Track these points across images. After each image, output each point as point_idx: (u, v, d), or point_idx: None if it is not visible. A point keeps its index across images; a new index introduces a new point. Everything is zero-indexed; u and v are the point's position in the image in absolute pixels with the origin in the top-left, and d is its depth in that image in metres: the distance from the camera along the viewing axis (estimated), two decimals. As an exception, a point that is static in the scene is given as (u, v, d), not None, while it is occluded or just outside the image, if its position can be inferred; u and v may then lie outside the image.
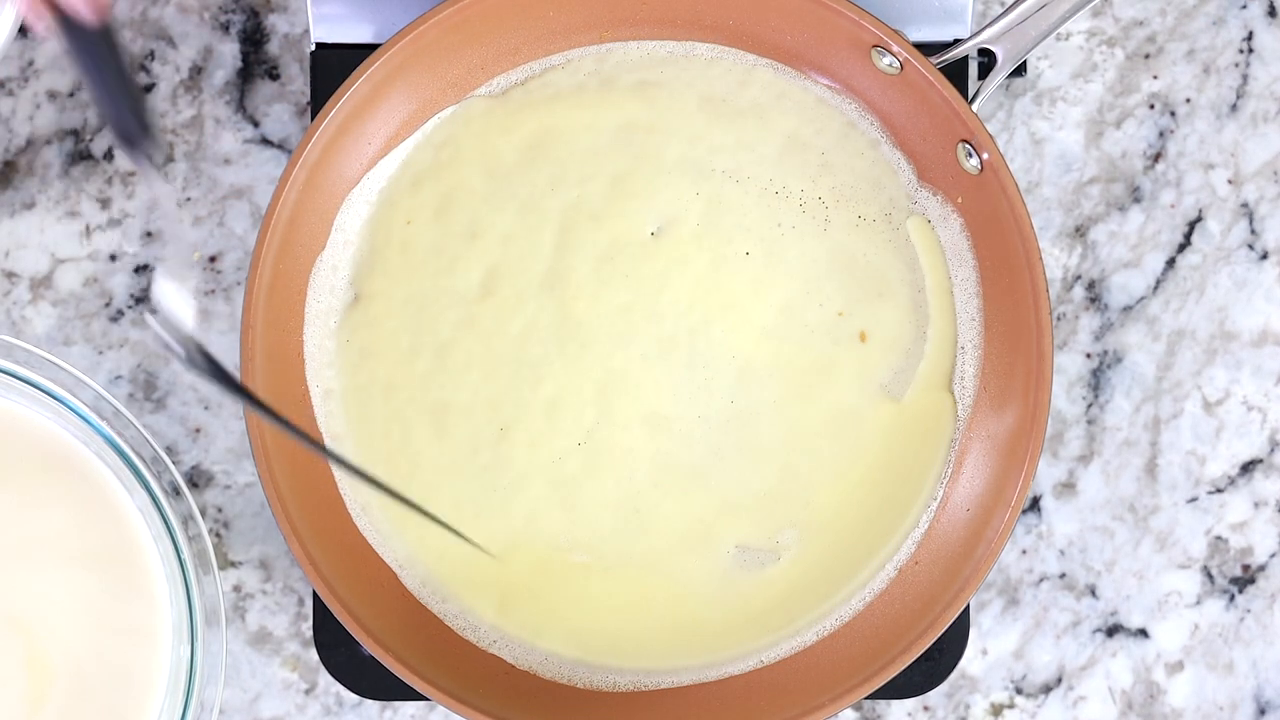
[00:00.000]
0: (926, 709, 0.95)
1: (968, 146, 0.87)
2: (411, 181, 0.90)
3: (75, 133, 0.93)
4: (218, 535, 0.94)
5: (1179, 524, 0.95)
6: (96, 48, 0.73)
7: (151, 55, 0.93)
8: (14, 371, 0.86)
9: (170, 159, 0.94)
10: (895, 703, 0.94)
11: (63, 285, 0.94)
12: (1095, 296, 0.94)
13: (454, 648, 0.90)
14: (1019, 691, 0.95)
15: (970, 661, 0.94)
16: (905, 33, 0.89)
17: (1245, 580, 0.95)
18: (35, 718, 0.86)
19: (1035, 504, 0.95)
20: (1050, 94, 0.94)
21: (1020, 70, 0.93)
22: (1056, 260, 0.94)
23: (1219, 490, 0.95)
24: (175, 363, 0.82)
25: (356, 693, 0.91)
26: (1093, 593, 0.95)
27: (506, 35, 0.89)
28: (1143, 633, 0.95)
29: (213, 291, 0.93)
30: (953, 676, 0.94)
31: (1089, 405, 0.94)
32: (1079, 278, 0.94)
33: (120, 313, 0.93)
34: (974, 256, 0.90)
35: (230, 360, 0.93)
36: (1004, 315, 0.89)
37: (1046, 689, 0.95)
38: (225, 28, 0.93)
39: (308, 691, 0.94)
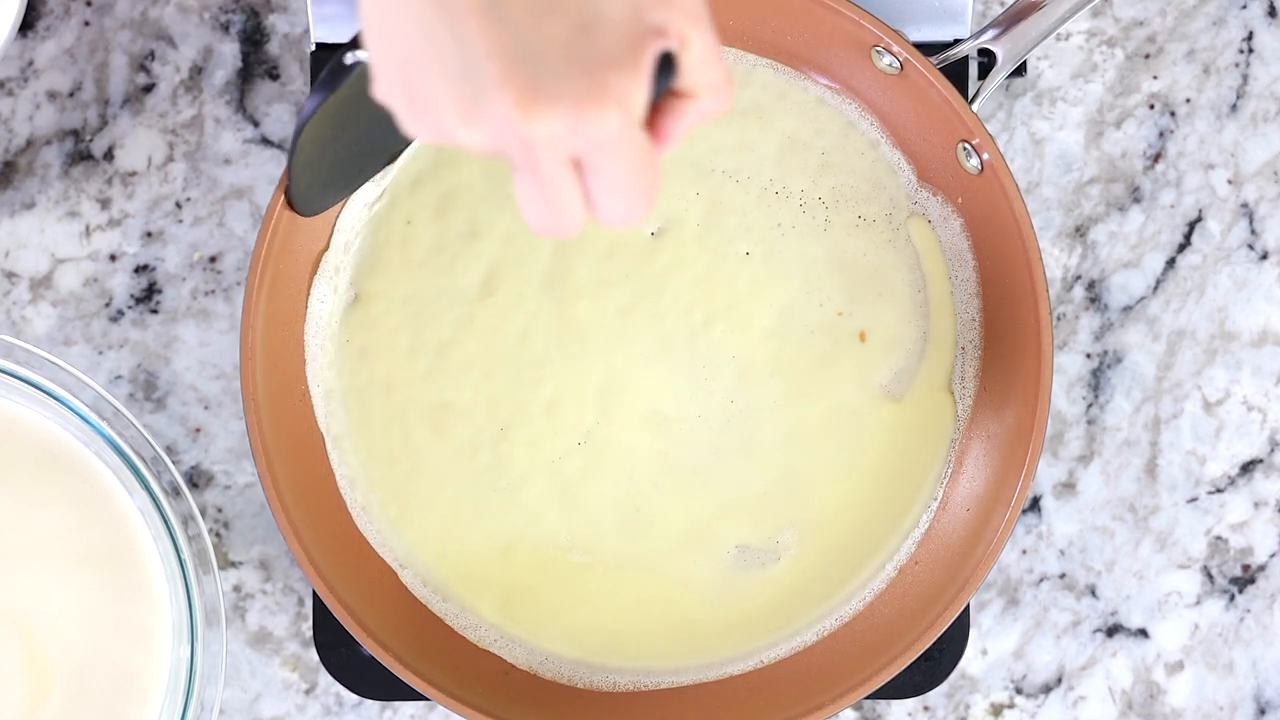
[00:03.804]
0: (926, 709, 0.95)
1: (968, 147, 0.87)
2: (412, 181, 0.90)
3: (75, 133, 0.93)
4: (218, 535, 0.94)
5: (1179, 524, 0.95)
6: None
7: (151, 55, 0.93)
8: (14, 371, 0.86)
9: (170, 159, 0.94)
10: (895, 703, 0.94)
11: (63, 285, 0.94)
12: (1095, 296, 0.94)
13: (454, 648, 0.90)
14: (1019, 691, 0.95)
15: (970, 661, 0.94)
16: (905, 33, 0.89)
17: (1245, 580, 0.95)
18: (35, 718, 0.86)
19: (1035, 504, 0.95)
20: (1050, 94, 0.94)
21: (1020, 70, 0.93)
22: (1056, 260, 0.94)
23: (1219, 490, 0.95)
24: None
25: (356, 693, 0.91)
26: (1093, 593, 0.95)
27: (506, 35, 0.89)
28: (1143, 633, 0.95)
29: (213, 291, 0.93)
30: (953, 676, 0.94)
31: (1089, 405, 0.94)
32: (1079, 278, 0.94)
33: (120, 313, 0.93)
34: (974, 257, 0.90)
35: (230, 360, 0.93)
36: (1004, 315, 0.89)
37: (1046, 689, 0.95)
38: (225, 28, 0.93)
39: (308, 691, 0.94)
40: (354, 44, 0.72)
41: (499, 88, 0.60)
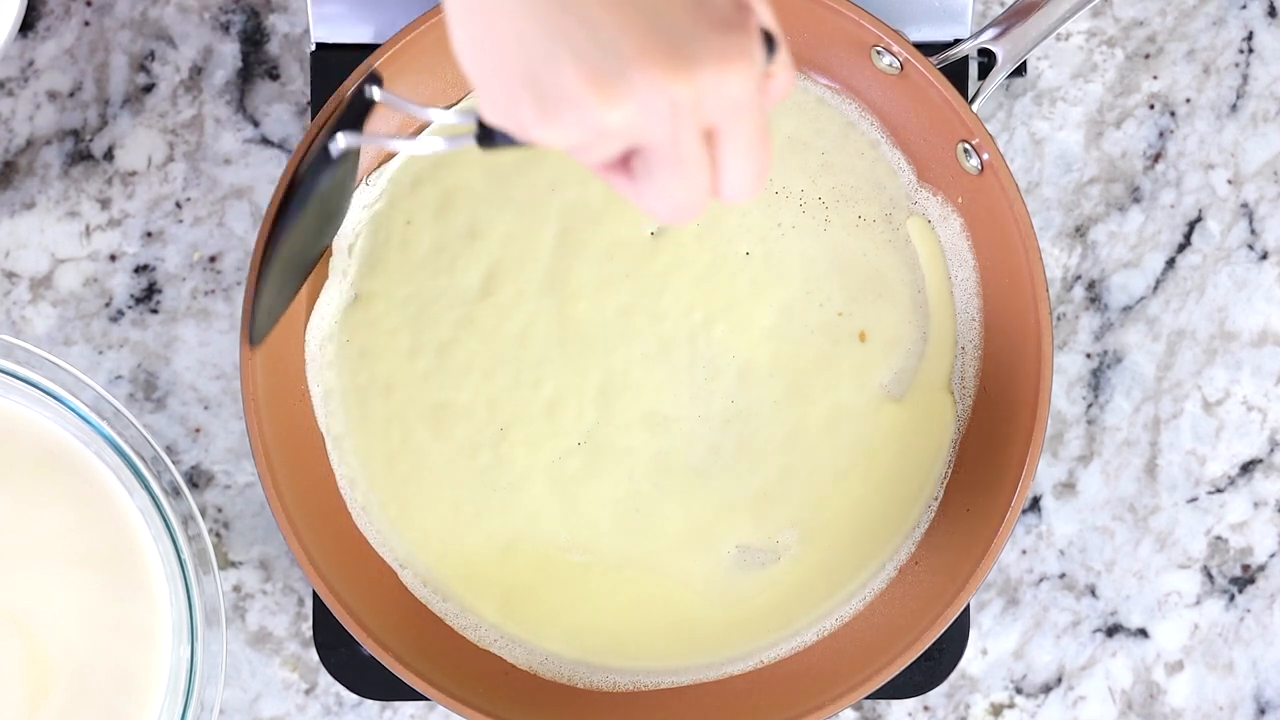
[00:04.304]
0: (926, 709, 0.95)
1: (968, 146, 0.87)
2: (412, 181, 0.90)
3: (75, 133, 0.93)
4: (218, 535, 0.94)
5: (1179, 524, 0.95)
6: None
7: (151, 55, 0.93)
8: (14, 371, 0.86)
9: (170, 159, 0.94)
10: (895, 703, 0.94)
11: (63, 285, 0.94)
12: (1095, 296, 0.94)
13: (454, 648, 0.90)
14: (1019, 691, 0.95)
15: (970, 661, 0.94)
16: (905, 33, 0.89)
17: (1245, 580, 0.95)
18: (35, 718, 0.86)
19: (1035, 504, 0.95)
20: (1050, 94, 0.94)
21: (1020, 70, 0.93)
22: (1056, 260, 0.94)
23: (1219, 490, 0.95)
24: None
25: (356, 693, 0.91)
26: (1093, 593, 0.95)
27: (506, 35, 0.89)
28: (1143, 633, 0.95)
29: (213, 291, 0.93)
30: (953, 676, 0.94)
31: (1089, 405, 0.94)
32: (1079, 278, 0.94)
33: (120, 313, 0.93)
34: (974, 256, 0.90)
35: (230, 360, 0.93)
36: (1004, 315, 0.89)
37: (1046, 689, 0.95)
38: (225, 28, 0.93)
39: (308, 691, 0.94)
40: (336, 128, 0.73)
41: (643, 57, 0.62)
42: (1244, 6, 0.94)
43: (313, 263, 0.86)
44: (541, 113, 0.64)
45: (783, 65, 0.67)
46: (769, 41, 0.65)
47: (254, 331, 0.82)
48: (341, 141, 0.76)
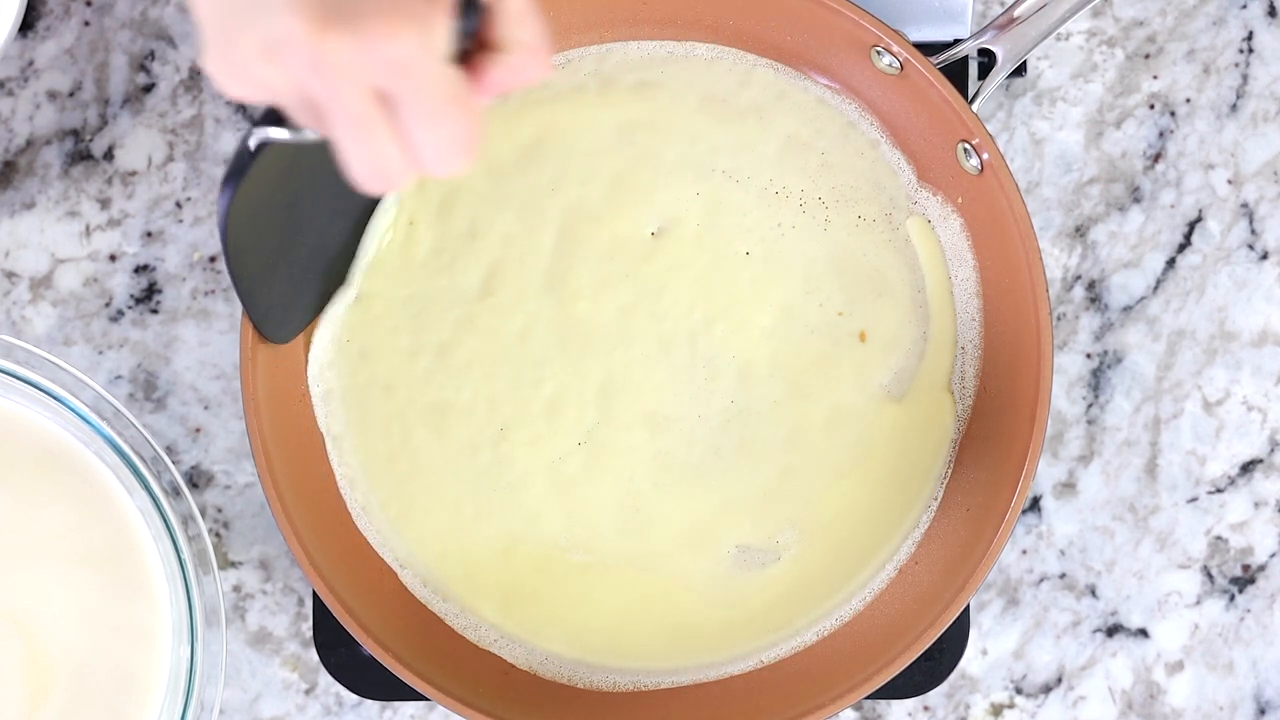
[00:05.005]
0: (926, 709, 0.95)
1: (968, 147, 0.87)
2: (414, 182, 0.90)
3: (75, 133, 0.93)
4: (218, 535, 0.94)
5: (1179, 524, 0.95)
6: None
7: (151, 55, 0.93)
8: (14, 371, 0.86)
9: (170, 159, 0.94)
10: (895, 703, 0.94)
11: (63, 285, 0.94)
12: (1095, 296, 0.94)
13: (454, 648, 0.90)
14: (1019, 691, 0.95)
15: (970, 661, 0.94)
16: (905, 33, 0.89)
17: (1245, 580, 0.95)
18: (35, 718, 0.86)
19: (1035, 504, 0.95)
20: (1050, 94, 0.94)
21: (1020, 70, 0.93)
22: (1056, 260, 0.94)
23: (1219, 490, 0.95)
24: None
25: (356, 693, 0.91)
26: (1093, 593, 0.95)
27: (506, 35, 0.89)
28: (1143, 633, 0.95)
29: (213, 291, 0.93)
30: (953, 676, 0.94)
31: (1089, 405, 0.94)
32: (1079, 278, 0.94)
33: (120, 313, 0.93)
34: (974, 256, 0.90)
35: (230, 360, 0.93)
36: (1004, 315, 0.89)
37: (1046, 689, 0.95)
38: (225, 28, 0.93)
39: (308, 691, 0.94)
40: (259, 123, 0.71)
41: (290, 13, 0.60)
42: (1244, 6, 0.94)
43: (326, 265, 0.85)
44: (220, 60, 0.63)
45: (519, 45, 0.63)
46: (472, 9, 0.62)
47: (261, 318, 0.80)
48: (256, 136, 0.75)
